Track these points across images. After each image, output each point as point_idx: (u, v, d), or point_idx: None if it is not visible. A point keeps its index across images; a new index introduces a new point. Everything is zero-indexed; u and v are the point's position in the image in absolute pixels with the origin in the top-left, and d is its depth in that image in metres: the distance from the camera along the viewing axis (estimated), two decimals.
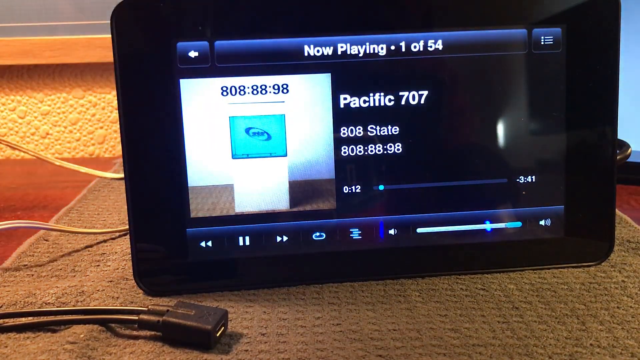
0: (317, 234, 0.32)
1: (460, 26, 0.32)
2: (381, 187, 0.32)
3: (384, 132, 0.32)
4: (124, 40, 0.30)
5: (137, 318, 0.27)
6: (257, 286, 0.32)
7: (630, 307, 0.29)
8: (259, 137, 0.32)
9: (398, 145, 0.32)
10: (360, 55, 0.31)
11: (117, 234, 0.40)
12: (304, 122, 0.32)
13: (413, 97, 0.32)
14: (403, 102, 0.32)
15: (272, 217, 0.32)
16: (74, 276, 0.34)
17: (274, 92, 0.31)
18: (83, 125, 0.71)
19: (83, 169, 0.51)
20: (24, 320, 0.28)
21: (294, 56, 0.31)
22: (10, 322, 0.28)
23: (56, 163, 0.49)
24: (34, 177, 0.59)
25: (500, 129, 0.33)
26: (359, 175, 0.32)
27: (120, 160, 0.55)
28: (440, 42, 0.32)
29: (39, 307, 0.30)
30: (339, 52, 0.31)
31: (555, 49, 0.32)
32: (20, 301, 0.30)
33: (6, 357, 0.26)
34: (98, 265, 0.35)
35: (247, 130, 0.32)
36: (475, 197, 0.33)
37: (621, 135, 0.35)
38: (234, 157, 0.32)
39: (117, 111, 0.37)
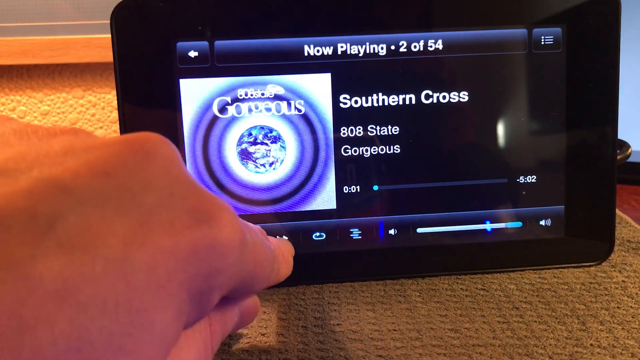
0: (317, 234, 0.32)
1: (460, 26, 0.32)
2: (381, 187, 0.32)
3: (384, 132, 0.32)
4: (124, 40, 0.30)
5: None
6: None
7: (631, 307, 0.29)
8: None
9: (398, 146, 0.32)
10: (360, 55, 0.31)
11: None
12: (304, 122, 0.32)
13: (413, 97, 0.32)
14: (403, 102, 0.32)
15: (272, 217, 0.32)
16: None
17: (274, 92, 0.31)
18: (83, 125, 0.71)
19: None
20: None
21: (294, 56, 0.31)
22: None
23: None
24: None
25: (500, 129, 0.33)
26: (359, 175, 0.32)
27: None
28: (440, 42, 0.32)
29: None
30: (339, 52, 0.31)
31: (556, 49, 0.32)
32: None
33: None
34: None
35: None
36: (475, 197, 0.33)
37: (621, 135, 0.35)
38: None
39: (116, 111, 0.37)
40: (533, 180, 0.33)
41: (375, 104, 0.32)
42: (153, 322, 0.12)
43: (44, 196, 0.11)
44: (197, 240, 0.13)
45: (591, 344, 0.26)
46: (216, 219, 0.14)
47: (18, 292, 0.10)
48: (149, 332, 0.12)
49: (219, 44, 0.31)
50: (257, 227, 0.20)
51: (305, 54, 0.31)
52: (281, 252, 0.21)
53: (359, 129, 0.32)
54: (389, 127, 0.32)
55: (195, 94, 0.31)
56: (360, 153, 0.32)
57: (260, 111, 0.31)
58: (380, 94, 0.32)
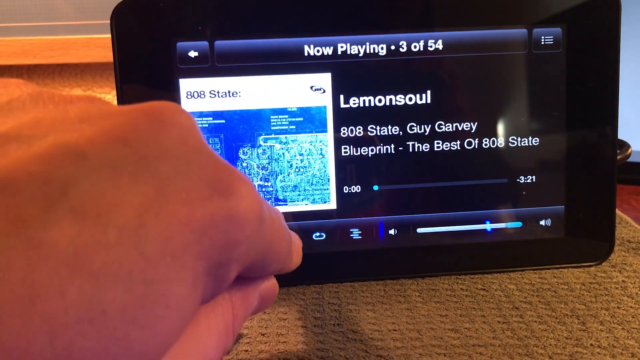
0: (317, 234, 0.32)
1: (460, 26, 0.32)
2: (381, 187, 0.32)
3: (384, 132, 0.32)
4: (124, 40, 0.30)
5: None
6: None
7: (631, 307, 0.29)
8: None
9: (398, 146, 0.32)
10: (360, 55, 0.31)
11: None
12: (304, 122, 0.32)
13: (413, 97, 0.32)
14: (403, 102, 0.32)
15: None
16: None
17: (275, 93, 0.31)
18: None
19: None
20: None
21: (294, 56, 0.31)
22: None
23: None
24: None
25: (500, 129, 0.33)
26: (359, 175, 0.32)
27: None
28: (440, 42, 0.32)
29: None
30: (339, 52, 0.31)
31: (555, 49, 0.32)
32: None
33: None
34: None
35: None
36: (475, 197, 0.33)
37: (621, 135, 0.35)
38: None
39: None
40: (533, 180, 0.33)
41: (375, 104, 0.32)
42: (167, 295, 0.12)
43: (59, 162, 0.11)
44: (214, 210, 0.13)
45: (591, 344, 0.26)
46: (234, 190, 0.14)
47: (30, 259, 0.10)
48: (164, 305, 0.12)
49: (219, 44, 0.31)
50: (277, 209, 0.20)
51: (305, 54, 0.31)
52: (295, 237, 0.21)
53: (359, 129, 0.32)
54: (389, 127, 0.32)
55: (195, 93, 0.31)
56: (360, 153, 0.32)
57: None
58: (380, 94, 0.32)
